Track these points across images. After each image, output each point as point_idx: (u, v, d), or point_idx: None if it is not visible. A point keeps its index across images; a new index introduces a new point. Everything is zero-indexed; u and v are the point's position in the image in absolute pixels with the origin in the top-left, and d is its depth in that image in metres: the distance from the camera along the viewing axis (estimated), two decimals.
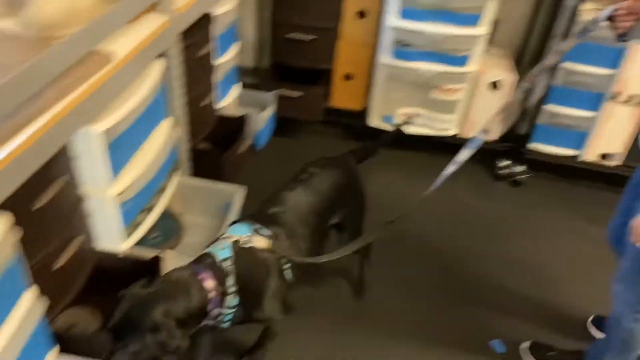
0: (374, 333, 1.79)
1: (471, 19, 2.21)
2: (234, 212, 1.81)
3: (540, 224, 2.33)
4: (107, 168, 1.39)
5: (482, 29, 2.23)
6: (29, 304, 1.13)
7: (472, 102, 2.45)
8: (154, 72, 1.54)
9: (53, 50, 1.10)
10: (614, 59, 2.18)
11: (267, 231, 1.39)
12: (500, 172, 2.54)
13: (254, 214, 1.46)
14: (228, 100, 2.28)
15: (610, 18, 1.38)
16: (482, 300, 1.94)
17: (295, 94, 2.45)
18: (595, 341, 1.71)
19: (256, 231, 1.38)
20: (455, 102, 2.42)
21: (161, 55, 1.58)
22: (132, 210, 1.53)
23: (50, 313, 1.25)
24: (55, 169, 1.23)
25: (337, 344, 1.75)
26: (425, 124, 2.50)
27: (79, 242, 1.37)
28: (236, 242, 1.35)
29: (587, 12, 2.13)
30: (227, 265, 1.31)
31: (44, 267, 1.24)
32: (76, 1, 1.33)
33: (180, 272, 1.27)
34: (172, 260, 1.57)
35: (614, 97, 2.25)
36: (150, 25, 1.47)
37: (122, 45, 1.35)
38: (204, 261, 1.31)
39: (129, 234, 1.56)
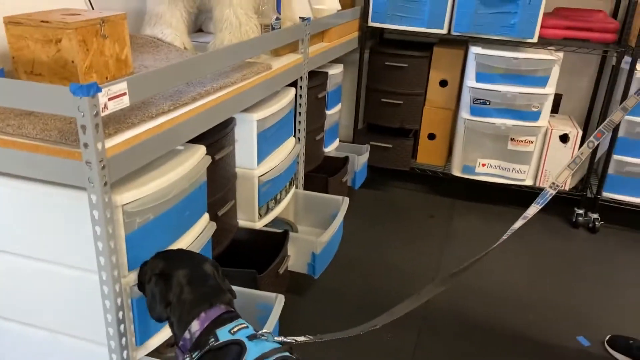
0: None
1: (540, 81, 2.63)
2: (339, 220, 2.16)
3: (615, 263, 2.47)
4: (255, 151, 1.84)
5: (550, 89, 2.63)
6: (205, 222, 1.51)
7: (544, 154, 2.76)
8: (289, 94, 2.04)
9: (219, 51, 1.57)
10: None
11: None
12: (578, 219, 2.75)
13: None
14: (330, 148, 2.75)
15: None
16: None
17: (387, 145, 2.88)
18: None
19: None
20: (529, 153, 2.75)
21: (294, 85, 2.10)
22: (267, 194, 1.94)
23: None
24: (225, 140, 1.68)
25: None
26: (502, 175, 2.82)
27: (230, 205, 1.77)
28: (238, 343, 1.09)
29: None
30: (211, 342, 1.09)
31: (212, 210, 1.64)
32: (245, 35, 1.89)
33: (208, 288, 1.17)
34: (294, 238, 1.93)
35: None
36: (291, 58, 2.02)
37: (275, 63, 1.88)
38: (219, 320, 1.13)
39: (261, 215, 1.95)
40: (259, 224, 1.93)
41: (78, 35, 1.30)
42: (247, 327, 1.13)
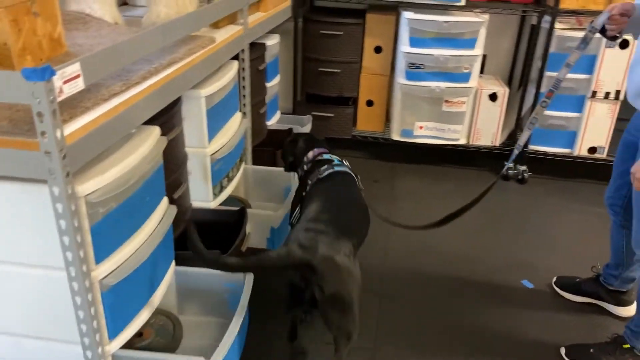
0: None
1: (469, 43, 2.73)
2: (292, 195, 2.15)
3: (545, 209, 2.68)
4: (205, 129, 1.78)
5: (478, 50, 2.74)
6: (165, 206, 1.46)
7: (475, 113, 2.90)
8: (233, 68, 1.98)
9: (159, 28, 1.48)
10: (589, 65, 2.67)
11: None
12: (509, 172, 2.93)
13: None
14: (272, 121, 2.71)
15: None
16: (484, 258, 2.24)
17: (329, 115, 2.89)
18: None
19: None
20: (462, 113, 2.87)
21: (235, 58, 2.04)
22: (219, 172, 1.89)
23: None
24: (174, 120, 1.61)
25: None
26: (438, 136, 2.93)
27: (184, 188, 1.72)
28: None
29: (560, 31, 2.65)
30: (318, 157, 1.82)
31: (168, 193, 1.57)
32: (182, 8, 1.80)
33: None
34: (251, 214, 1.90)
35: (593, 96, 2.71)
36: (231, 30, 1.95)
37: (218, 36, 1.81)
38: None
39: (216, 195, 1.90)
40: (214, 204, 1.89)
41: (9, 14, 1.18)
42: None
